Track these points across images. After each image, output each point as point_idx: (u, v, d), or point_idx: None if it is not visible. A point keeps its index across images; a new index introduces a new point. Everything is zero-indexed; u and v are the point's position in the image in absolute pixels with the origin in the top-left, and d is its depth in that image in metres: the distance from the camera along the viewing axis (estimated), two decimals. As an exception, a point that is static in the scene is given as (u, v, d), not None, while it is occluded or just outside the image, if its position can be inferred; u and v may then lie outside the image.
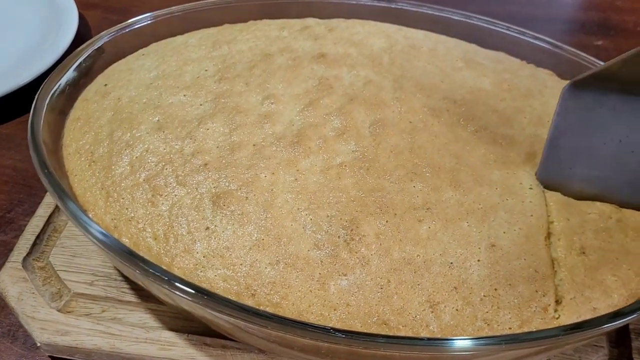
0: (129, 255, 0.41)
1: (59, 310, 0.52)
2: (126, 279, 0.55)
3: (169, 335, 0.50)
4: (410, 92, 0.57)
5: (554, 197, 0.50)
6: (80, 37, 0.89)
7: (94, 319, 0.52)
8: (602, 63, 0.61)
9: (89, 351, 0.50)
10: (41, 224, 0.59)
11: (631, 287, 0.45)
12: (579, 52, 0.63)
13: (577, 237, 0.47)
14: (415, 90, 0.57)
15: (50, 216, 0.60)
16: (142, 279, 0.44)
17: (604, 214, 0.49)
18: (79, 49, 0.60)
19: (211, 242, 0.45)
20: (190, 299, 0.39)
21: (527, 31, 0.67)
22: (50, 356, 0.52)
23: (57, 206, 0.60)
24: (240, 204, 0.46)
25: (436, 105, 0.56)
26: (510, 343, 0.38)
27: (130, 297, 0.54)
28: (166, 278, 0.40)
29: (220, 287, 0.43)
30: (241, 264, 0.44)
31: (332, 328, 0.38)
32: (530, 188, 0.50)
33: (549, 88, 0.61)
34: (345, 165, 0.49)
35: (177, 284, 0.39)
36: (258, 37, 0.63)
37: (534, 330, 0.42)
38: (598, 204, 0.50)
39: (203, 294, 0.39)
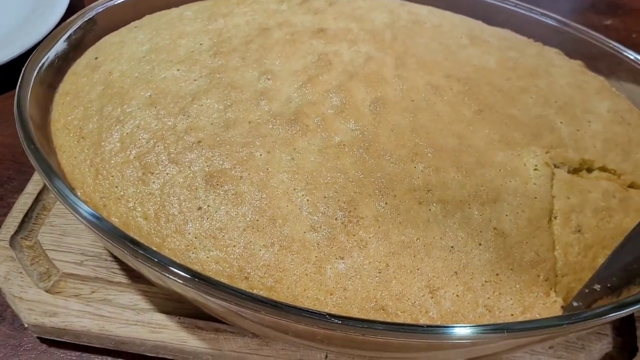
0: (118, 236, 0.40)
1: (47, 291, 0.50)
2: (117, 259, 0.53)
3: (160, 318, 0.49)
4: (412, 70, 0.54)
5: (559, 176, 0.48)
6: (73, 10, 0.86)
7: (83, 300, 0.50)
8: (612, 42, 0.59)
9: (78, 333, 0.49)
10: (30, 202, 0.57)
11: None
12: (587, 30, 0.61)
13: (574, 215, 0.46)
14: (418, 68, 0.55)
15: (39, 194, 0.58)
16: (132, 261, 0.43)
17: (607, 193, 0.47)
18: (69, 20, 0.57)
19: (204, 223, 0.43)
20: (180, 281, 0.38)
21: (535, 8, 0.64)
22: (38, 337, 0.51)
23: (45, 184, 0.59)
24: (234, 184, 0.45)
25: (439, 83, 0.53)
26: (512, 332, 0.37)
27: (121, 277, 0.52)
28: (156, 260, 0.38)
29: (212, 270, 0.42)
30: (234, 246, 0.42)
31: (327, 314, 0.36)
32: (535, 169, 0.49)
33: (556, 67, 0.59)
34: (344, 145, 0.47)
35: (166, 266, 0.38)
36: (256, 11, 0.60)
37: (536, 316, 0.41)
38: (604, 182, 0.48)
39: (194, 277, 0.37)
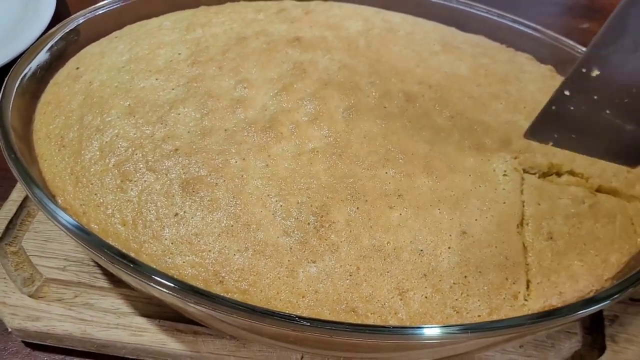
0: (95, 243, 0.41)
1: (30, 296, 0.52)
2: (98, 265, 0.54)
3: (140, 321, 0.50)
4: (385, 77, 0.56)
5: (529, 181, 0.50)
6: (59, 19, 0.87)
7: (66, 304, 0.51)
8: (580, 47, 0.60)
9: (61, 336, 0.50)
10: (14, 209, 0.58)
11: (597, 273, 0.45)
12: (559, 36, 0.63)
13: (545, 222, 0.47)
14: (391, 75, 0.56)
15: (23, 201, 0.59)
16: (110, 266, 0.44)
17: (577, 199, 0.49)
18: (51, 31, 0.58)
19: (180, 229, 0.44)
20: (156, 286, 0.39)
21: (507, 14, 0.66)
22: (22, 341, 0.52)
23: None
24: (209, 190, 0.46)
25: (411, 90, 0.55)
26: (476, 332, 0.38)
27: (103, 282, 0.53)
28: (132, 265, 0.39)
29: (188, 274, 0.43)
30: (210, 251, 0.43)
31: (297, 316, 0.37)
32: (505, 175, 0.50)
33: (527, 73, 0.60)
34: (317, 151, 0.49)
35: (142, 271, 0.39)
36: (234, 20, 0.62)
37: (503, 318, 0.42)
38: (572, 188, 0.50)
39: (169, 282, 0.39)
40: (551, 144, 0.46)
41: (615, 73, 0.42)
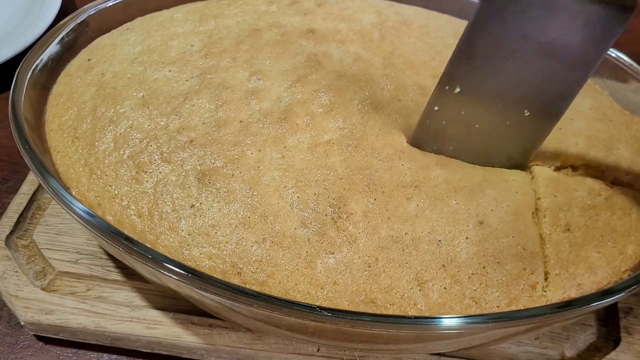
0: (113, 234, 0.40)
1: (43, 289, 0.51)
2: (111, 257, 0.54)
3: (154, 314, 0.50)
4: (400, 70, 0.56)
5: (543, 173, 0.50)
6: (65, 13, 0.87)
7: (79, 297, 0.51)
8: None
9: (74, 330, 0.49)
10: (25, 202, 0.58)
11: (615, 265, 0.45)
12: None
13: (562, 213, 0.47)
14: (405, 68, 0.56)
15: (34, 194, 0.59)
16: (127, 258, 0.44)
17: (593, 191, 0.48)
18: (62, 22, 0.58)
19: (196, 220, 0.44)
20: (175, 277, 0.39)
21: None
22: (35, 335, 0.52)
23: (41, 184, 0.59)
24: (226, 182, 0.46)
25: (426, 83, 0.55)
26: (497, 321, 0.38)
27: (116, 275, 0.53)
28: (150, 256, 0.39)
29: (205, 266, 0.43)
30: (227, 242, 0.43)
31: (318, 306, 0.37)
32: None
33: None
34: (333, 143, 0.49)
35: (162, 262, 0.39)
36: (246, 12, 0.61)
37: (522, 308, 0.42)
38: (588, 180, 0.50)
39: (188, 273, 0.38)
40: (434, 151, 0.49)
41: (474, 90, 0.46)
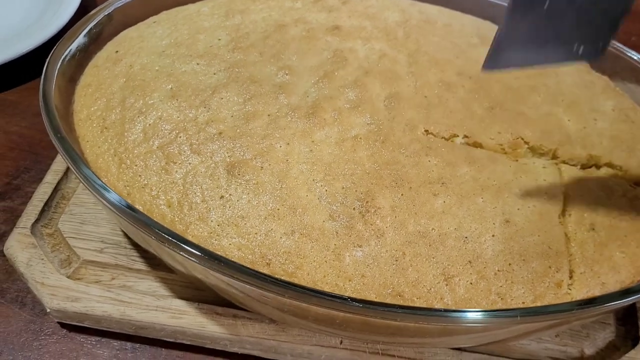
0: (146, 222, 0.41)
1: (68, 277, 0.52)
2: (136, 247, 0.55)
3: (179, 304, 0.51)
4: (425, 67, 0.56)
5: (569, 173, 0.50)
6: (85, 7, 0.88)
7: (104, 286, 0.52)
8: (615, 43, 0.61)
9: (99, 318, 0.50)
10: (49, 191, 0.58)
11: (638, 265, 0.46)
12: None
13: (587, 213, 0.48)
14: (430, 65, 0.57)
15: (58, 183, 0.59)
16: (157, 247, 0.44)
17: (617, 191, 0.49)
18: (89, 14, 0.59)
19: (226, 211, 0.45)
20: (209, 266, 0.39)
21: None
22: (59, 322, 0.52)
23: (65, 173, 0.60)
24: (255, 174, 0.46)
25: (451, 80, 0.55)
26: (525, 316, 0.39)
27: (140, 265, 0.54)
28: (183, 245, 0.40)
29: (234, 256, 0.43)
30: (256, 233, 0.44)
31: (349, 297, 0.38)
32: (544, 167, 0.50)
33: (563, 67, 0.61)
34: (360, 138, 0.49)
35: (195, 251, 0.39)
36: (271, 7, 0.62)
37: (548, 304, 0.43)
38: (613, 181, 0.50)
39: (222, 262, 0.39)
40: (511, 68, 0.45)
41: None
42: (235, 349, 0.51)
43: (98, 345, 0.52)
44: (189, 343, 0.51)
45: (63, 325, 0.53)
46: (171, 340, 0.51)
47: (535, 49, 0.44)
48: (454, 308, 0.42)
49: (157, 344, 0.52)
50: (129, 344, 0.52)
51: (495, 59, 0.45)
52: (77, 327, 0.52)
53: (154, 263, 0.54)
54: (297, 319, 0.46)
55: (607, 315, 0.53)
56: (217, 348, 0.51)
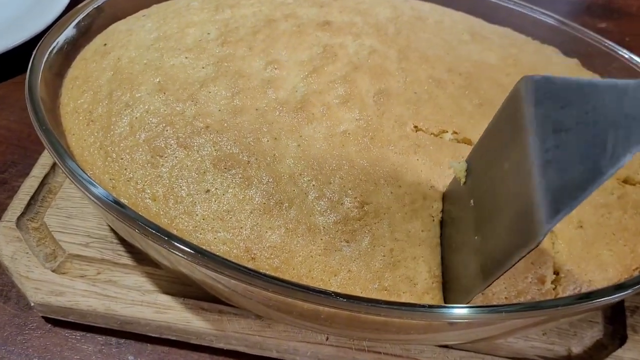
0: (130, 215, 0.40)
1: (53, 271, 0.51)
2: (122, 242, 0.54)
3: (164, 299, 0.50)
4: (415, 63, 0.56)
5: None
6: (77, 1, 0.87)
7: (89, 280, 0.51)
8: (607, 42, 0.61)
9: (84, 312, 0.49)
10: (36, 185, 0.58)
11: (626, 263, 0.46)
12: (585, 29, 0.63)
13: (575, 210, 0.47)
14: (421, 62, 0.56)
15: (45, 177, 0.59)
16: (142, 241, 0.44)
17: (605, 189, 0.49)
18: (78, 6, 0.58)
19: (211, 205, 0.44)
20: (193, 260, 0.39)
21: (534, 7, 0.66)
22: (43, 317, 0.52)
23: (52, 167, 0.60)
24: (242, 168, 0.46)
25: (441, 77, 0.55)
26: (510, 312, 0.38)
27: (126, 259, 0.53)
28: (167, 238, 0.39)
29: (220, 250, 0.43)
30: (241, 228, 0.43)
31: (334, 292, 0.37)
32: None
33: (554, 65, 0.60)
34: (348, 133, 0.49)
35: (179, 245, 0.39)
36: (262, 2, 0.62)
37: (531, 300, 0.43)
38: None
39: (206, 256, 0.38)
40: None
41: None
42: (220, 345, 0.50)
43: (83, 340, 0.51)
44: (174, 338, 0.51)
45: (47, 319, 0.52)
46: (156, 335, 0.51)
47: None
48: (438, 303, 0.42)
49: (143, 339, 0.51)
50: (114, 339, 0.51)
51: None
52: (62, 322, 0.51)
53: (140, 258, 0.53)
54: (283, 314, 0.46)
55: (595, 313, 0.52)
56: (203, 344, 0.50)
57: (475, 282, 0.40)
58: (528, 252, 0.34)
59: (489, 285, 0.39)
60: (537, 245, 0.34)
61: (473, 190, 0.42)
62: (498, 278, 0.38)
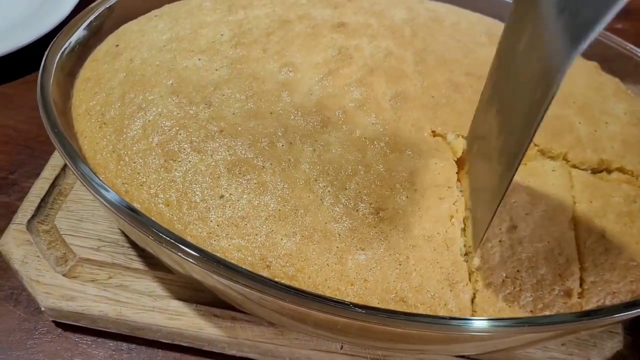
0: (144, 222, 0.40)
1: (64, 275, 0.51)
2: (134, 246, 0.53)
3: (177, 305, 0.49)
4: (432, 66, 0.55)
5: (579, 178, 0.49)
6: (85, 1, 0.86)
7: (100, 285, 0.50)
8: (627, 44, 0.60)
9: (95, 317, 0.49)
10: (46, 187, 0.57)
11: (650, 273, 0.45)
12: (604, 31, 0.61)
13: (598, 220, 0.46)
14: (438, 65, 0.55)
15: (55, 179, 0.58)
16: (155, 246, 0.43)
17: (628, 197, 0.48)
18: (90, 6, 0.57)
19: (226, 211, 0.43)
20: (208, 269, 0.38)
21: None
22: (54, 321, 0.51)
23: (62, 169, 0.59)
24: (256, 173, 0.45)
25: (459, 80, 0.54)
26: (533, 326, 0.37)
27: (138, 264, 0.52)
28: (182, 246, 0.38)
29: (234, 257, 0.42)
30: (256, 235, 0.42)
31: (351, 303, 0.36)
32: (553, 170, 0.49)
33: (574, 68, 0.59)
34: (365, 138, 0.48)
35: (193, 252, 0.38)
36: (275, 3, 0.60)
37: (556, 313, 0.42)
38: (624, 186, 0.49)
39: (222, 264, 0.38)
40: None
41: None
42: (233, 352, 0.49)
43: (93, 346, 0.51)
44: (186, 345, 0.50)
45: (58, 324, 0.51)
46: (168, 341, 0.50)
47: None
48: (457, 315, 0.41)
49: (154, 345, 0.51)
50: (124, 345, 0.51)
51: None
52: (73, 327, 0.51)
53: (152, 262, 0.52)
54: (297, 322, 0.45)
55: (615, 324, 0.51)
56: (215, 350, 0.50)
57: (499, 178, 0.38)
58: (552, 98, 0.32)
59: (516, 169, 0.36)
60: (558, 88, 0.32)
61: (496, 102, 0.41)
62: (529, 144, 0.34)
